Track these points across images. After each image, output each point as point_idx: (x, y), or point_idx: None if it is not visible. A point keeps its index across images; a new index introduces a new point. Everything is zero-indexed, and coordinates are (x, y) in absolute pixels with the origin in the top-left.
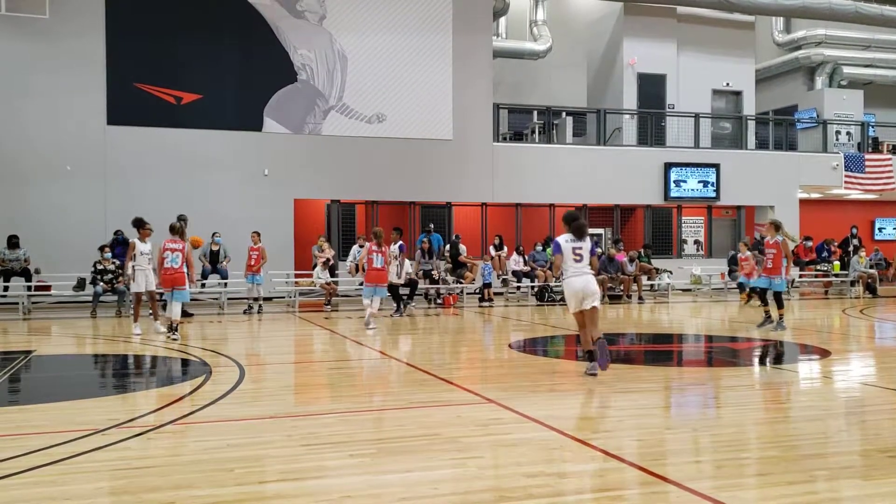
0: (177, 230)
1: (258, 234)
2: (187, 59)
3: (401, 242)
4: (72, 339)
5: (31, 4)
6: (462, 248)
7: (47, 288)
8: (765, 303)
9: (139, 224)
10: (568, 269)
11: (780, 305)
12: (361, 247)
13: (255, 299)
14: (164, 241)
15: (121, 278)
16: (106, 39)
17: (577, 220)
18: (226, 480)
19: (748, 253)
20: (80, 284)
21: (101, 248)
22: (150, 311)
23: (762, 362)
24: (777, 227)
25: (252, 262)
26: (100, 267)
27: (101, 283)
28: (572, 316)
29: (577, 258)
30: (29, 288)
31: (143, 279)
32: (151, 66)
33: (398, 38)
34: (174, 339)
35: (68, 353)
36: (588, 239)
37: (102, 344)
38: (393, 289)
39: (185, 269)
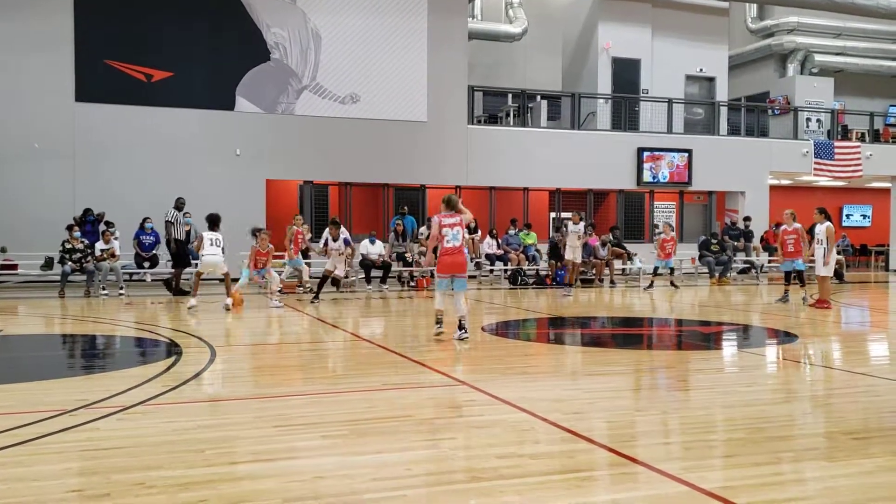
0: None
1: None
2: (158, 35)
3: (346, 236)
4: (40, 318)
5: None
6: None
7: (14, 267)
8: (788, 282)
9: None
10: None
11: (801, 283)
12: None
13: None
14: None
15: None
16: (74, 15)
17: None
18: (196, 461)
19: (672, 234)
20: (48, 264)
21: (70, 227)
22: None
23: (732, 346)
24: (794, 216)
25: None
26: (68, 246)
27: (70, 263)
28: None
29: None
30: None
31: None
32: (121, 43)
33: (373, 18)
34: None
35: (36, 332)
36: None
37: (71, 324)
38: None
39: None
